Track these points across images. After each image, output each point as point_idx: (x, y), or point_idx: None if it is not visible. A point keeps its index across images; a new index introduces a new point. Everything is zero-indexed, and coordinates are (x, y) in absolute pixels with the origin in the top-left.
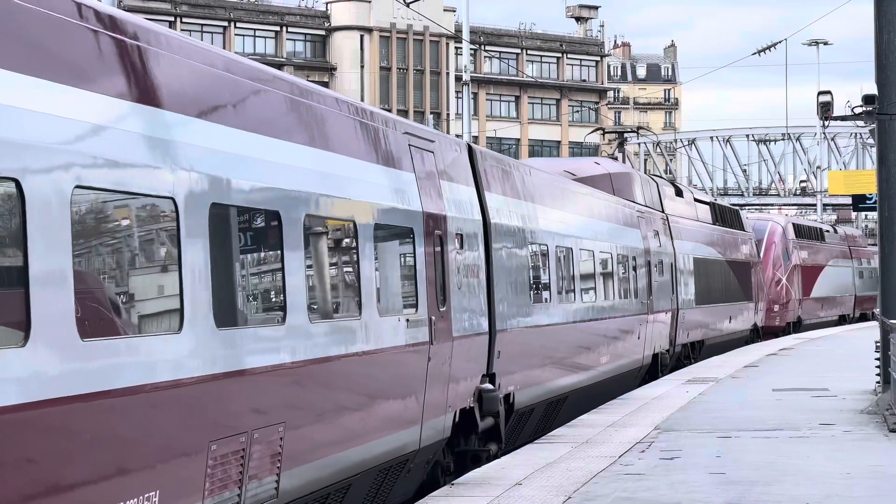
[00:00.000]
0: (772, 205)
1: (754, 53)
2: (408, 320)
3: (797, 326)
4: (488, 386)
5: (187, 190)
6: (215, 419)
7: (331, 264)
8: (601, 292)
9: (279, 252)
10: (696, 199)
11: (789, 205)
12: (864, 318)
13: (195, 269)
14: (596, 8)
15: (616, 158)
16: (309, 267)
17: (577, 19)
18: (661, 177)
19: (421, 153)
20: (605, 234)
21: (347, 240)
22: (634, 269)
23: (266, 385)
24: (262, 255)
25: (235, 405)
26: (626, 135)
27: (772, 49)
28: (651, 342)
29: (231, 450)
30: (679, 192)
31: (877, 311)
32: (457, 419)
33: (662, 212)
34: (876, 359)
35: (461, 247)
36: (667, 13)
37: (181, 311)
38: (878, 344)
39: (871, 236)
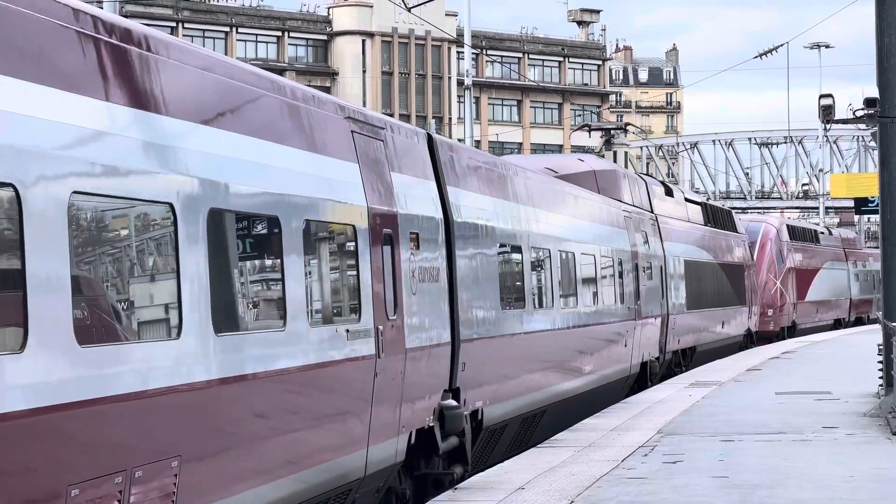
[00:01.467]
0: (774, 208)
1: (756, 57)
2: (348, 331)
3: (792, 331)
4: (451, 402)
5: (37, 178)
6: (76, 456)
7: (245, 267)
8: (583, 297)
9: (174, 253)
10: (686, 199)
11: (791, 208)
12: (859, 321)
13: (45, 272)
14: (598, 12)
15: (603, 156)
16: (215, 270)
17: (579, 23)
18: (651, 176)
19: (367, 141)
20: (588, 234)
21: (268, 239)
22: (621, 272)
23: (154, 411)
24: (154, 255)
25: (108, 437)
26: (613, 132)
27: (773, 52)
28: (639, 350)
29: (101, 494)
30: (669, 192)
31: (878, 314)
32: (413, 440)
33: (651, 212)
34: (878, 362)
35: (417, 248)
36: (668, 17)
37: (25, 324)
38: (881, 347)
39: (873, 239)
